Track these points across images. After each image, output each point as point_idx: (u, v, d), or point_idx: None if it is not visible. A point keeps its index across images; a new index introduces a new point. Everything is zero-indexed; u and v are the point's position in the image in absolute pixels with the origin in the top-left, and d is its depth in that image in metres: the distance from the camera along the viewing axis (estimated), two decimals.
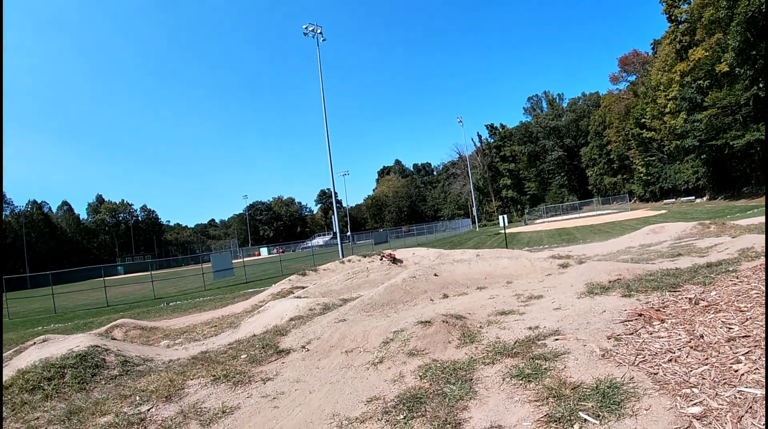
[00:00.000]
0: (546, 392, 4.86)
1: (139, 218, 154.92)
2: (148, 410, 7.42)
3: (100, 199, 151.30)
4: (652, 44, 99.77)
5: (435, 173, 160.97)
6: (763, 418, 3.63)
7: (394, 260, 20.38)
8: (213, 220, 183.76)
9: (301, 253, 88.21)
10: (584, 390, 4.75)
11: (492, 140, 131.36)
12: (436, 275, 13.22)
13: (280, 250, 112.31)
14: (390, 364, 6.97)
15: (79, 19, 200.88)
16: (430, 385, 5.94)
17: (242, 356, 9.69)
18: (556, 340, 6.39)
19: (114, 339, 14.14)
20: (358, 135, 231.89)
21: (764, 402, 3.62)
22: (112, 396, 8.39)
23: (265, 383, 7.67)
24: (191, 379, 8.48)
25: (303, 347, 8.96)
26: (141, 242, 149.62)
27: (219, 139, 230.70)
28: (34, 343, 15.87)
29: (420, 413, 5.20)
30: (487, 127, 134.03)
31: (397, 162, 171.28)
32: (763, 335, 4.99)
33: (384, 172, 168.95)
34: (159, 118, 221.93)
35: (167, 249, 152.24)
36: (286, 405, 6.61)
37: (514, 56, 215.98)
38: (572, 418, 4.23)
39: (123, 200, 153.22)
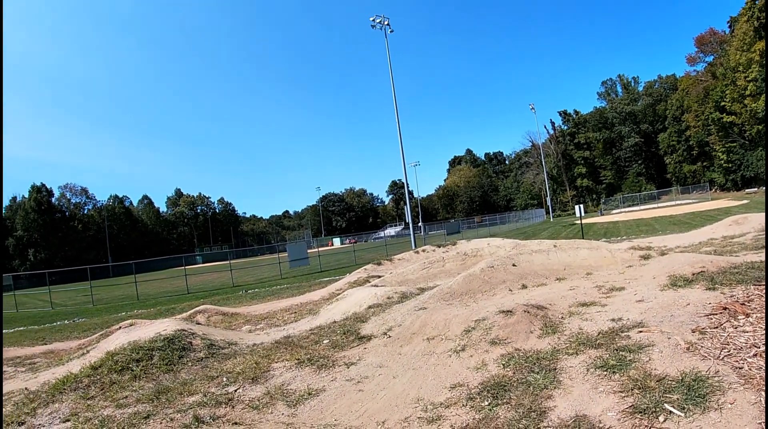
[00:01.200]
0: (631, 383, 4.83)
1: (217, 210, 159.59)
2: (236, 391, 7.75)
3: (178, 193, 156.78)
4: (728, 22, 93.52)
5: (507, 162, 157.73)
6: None
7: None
8: (287, 211, 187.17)
9: (372, 243, 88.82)
10: (669, 382, 4.70)
11: (565, 127, 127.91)
12: (514, 265, 13.09)
13: (353, 241, 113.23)
14: (472, 352, 7.04)
15: (154, 18, 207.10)
16: (514, 373, 5.97)
17: (324, 341, 9.97)
18: (640, 332, 6.29)
19: (198, 324, 14.69)
20: (429, 124, 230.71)
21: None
22: (199, 377, 8.80)
23: (348, 367, 7.90)
24: (276, 362, 8.80)
25: (384, 334, 9.17)
26: (218, 233, 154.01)
27: (293, 132, 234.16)
28: (120, 327, 16.69)
29: (505, 400, 5.25)
30: (560, 114, 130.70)
31: (469, 151, 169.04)
32: None
33: (455, 162, 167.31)
34: (235, 114, 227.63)
35: (243, 240, 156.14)
36: (370, 389, 6.78)
37: (587, 39, 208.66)
38: (657, 409, 4.21)
39: (200, 193, 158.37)
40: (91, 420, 7.56)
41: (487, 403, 5.31)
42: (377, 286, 16.79)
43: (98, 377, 9.76)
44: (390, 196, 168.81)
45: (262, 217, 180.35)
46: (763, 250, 14.10)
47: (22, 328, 26.30)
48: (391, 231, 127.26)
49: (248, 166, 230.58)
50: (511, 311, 7.91)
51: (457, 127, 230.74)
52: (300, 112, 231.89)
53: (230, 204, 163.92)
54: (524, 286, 11.83)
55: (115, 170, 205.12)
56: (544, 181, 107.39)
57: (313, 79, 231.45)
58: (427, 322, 8.65)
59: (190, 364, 9.97)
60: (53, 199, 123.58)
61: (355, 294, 14.86)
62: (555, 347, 6.53)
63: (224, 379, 8.38)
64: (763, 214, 25.18)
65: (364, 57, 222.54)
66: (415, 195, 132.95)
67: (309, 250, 50.39)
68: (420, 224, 79.94)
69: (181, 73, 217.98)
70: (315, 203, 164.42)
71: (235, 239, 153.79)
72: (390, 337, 8.87)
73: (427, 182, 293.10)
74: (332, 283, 24.71)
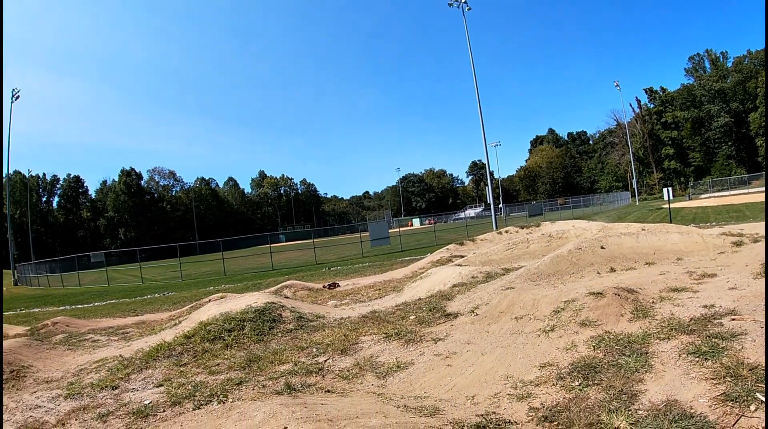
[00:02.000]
0: (723, 371, 4.75)
1: (299, 191, 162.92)
2: (325, 361, 8.06)
3: (262, 175, 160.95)
4: None
5: (591, 142, 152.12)
6: None
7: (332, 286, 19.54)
8: (367, 192, 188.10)
9: (452, 224, 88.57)
10: (762, 372, 4.60)
11: (651, 105, 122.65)
12: (602, 248, 12.86)
13: (432, 221, 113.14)
14: (561, 333, 7.06)
15: (237, 8, 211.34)
16: (604, 355, 5.96)
17: (411, 317, 10.16)
18: (733, 319, 6.14)
19: (286, 297, 15.20)
20: (510, 103, 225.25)
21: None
22: (289, 347, 9.20)
23: (435, 343, 8.06)
24: (364, 336, 9.09)
25: (471, 312, 9.26)
26: (300, 213, 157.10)
27: (373, 114, 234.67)
28: (210, 300, 17.50)
29: (595, 382, 5.26)
30: (645, 91, 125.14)
31: (551, 131, 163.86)
32: None
33: (537, 142, 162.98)
34: (316, 98, 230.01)
35: (324, 219, 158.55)
36: (458, 364, 6.91)
37: (673, 12, 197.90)
38: (749, 398, 4.14)
39: (283, 175, 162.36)
40: (184, 385, 8.02)
41: (577, 383, 5.34)
42: (461, 265, 16.89)
43: (191, 345, 10.34)
44: (470, 177, 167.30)
45: (342, 198, 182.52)
46: None
47: (114, 301, 27.82)
48: (471, 212, 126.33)
49: (329, 148, 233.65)
50: (601, 293, 7.85)
51: (539, 105, 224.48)
52: (379, 94, 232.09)
53: (312, 185, 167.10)
54: (612, 270, 11.65)
55: (201, 154, 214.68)
56: (630, 162, 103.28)
57: (393, 60, 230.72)
58: (515, 302, 8.71)
59: (279, 335, 10.41)
60: (142, 182, 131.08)
61: (439, 272, 15.01)
62: (646, 331, 6.46)
63: (314, 349, 8.73)
64: None
65: (442, 36, 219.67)
66: (496, 176, 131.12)
67: (390, 230, 50.82)
68: (501, 205, 79.09)
69: (265, 61, 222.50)
70: (395, 184, 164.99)
71: (317, 219, 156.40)
72: (477, 315, 8.97)
73: (508, 163, 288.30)
74: (414, 262, 24.97)
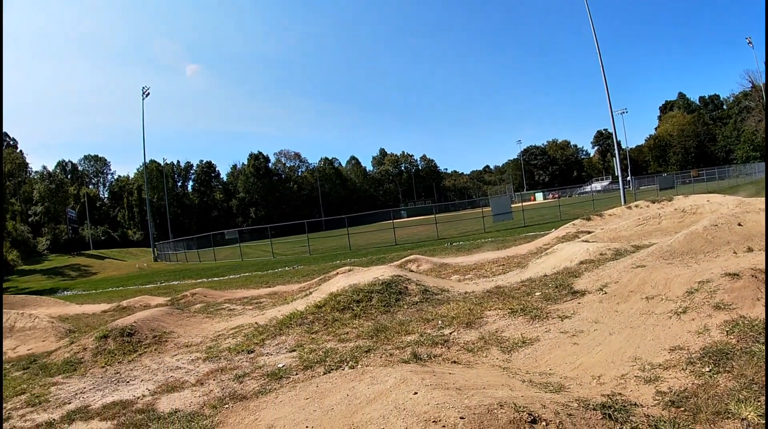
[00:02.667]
0: None
1: (420, 167, 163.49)
2: (450, 333, 8.27)
3: (383, 152, 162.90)
4: None
5: (725, 107, 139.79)
6: None
7: None
8: (487, 166, 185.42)
9: (577, 198, 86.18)
10: None
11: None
12: (740, 225, 11.98)
13: (556, 195, 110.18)
14: (694, 316, 6.79)
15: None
16: (737, 341, 5.70)
17: (536, 293, 10.19)
18: None
19: (411, 271, 15.51)
20: (636, 67, 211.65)
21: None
22: (414, 319, 9.53)
23: (562, 320, 8.06)
24: (488, 310, 9.23)
25: (599, 290, 9.10)
26: (421, 189, 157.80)
27: (492, 86, 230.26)
28: (337, 273, 18.13)
29: (726, 369, 5.06)
30: None
31: (681, 95, 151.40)
32: None
33: (666, 108, 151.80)
34: (434, 74, 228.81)
35: (445, 195, 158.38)
36: (585, 343, 6.87)
37: None
38: None
39: (404, 152, 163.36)
40: (315, 351, 8.49)
41: (707, 370, 5.15)
42: (588, 241, 16.47)
43: (321, 315, 10.92)
44: (595, 148, 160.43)
45: (462, 173, 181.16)
46: None
47: (247, 274, 29.44)
48: (597, 185, 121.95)
49: (448, 123, 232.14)
50: (737, 274, 7.44)
51: (667, 68, 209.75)
52: (494, 65, 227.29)
53: (432, 160, 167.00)
54: (750, 249, 10.75)
55: (324, 136, 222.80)
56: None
57: (510, 30, 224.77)
58: (646, 281, 8.44)
59: (405, 307, 10.80)
60: (270, 164, 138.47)
61: (565, 248, 14.74)
62: None
63: (439, 322, 8.99)
64: None
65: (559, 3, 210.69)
66: (623, 146, 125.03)
67: (514, 205, 50.15)
68: (629, 178, 75.76)
69: (381, 40, 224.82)
70: (516, 157, 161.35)
71: (437, 194, 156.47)
72: (606, 293, 8.80)
73: (635, 131, 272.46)
74: (538, 238, 24.60)
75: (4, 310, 17.77)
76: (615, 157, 44.81)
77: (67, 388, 9.12)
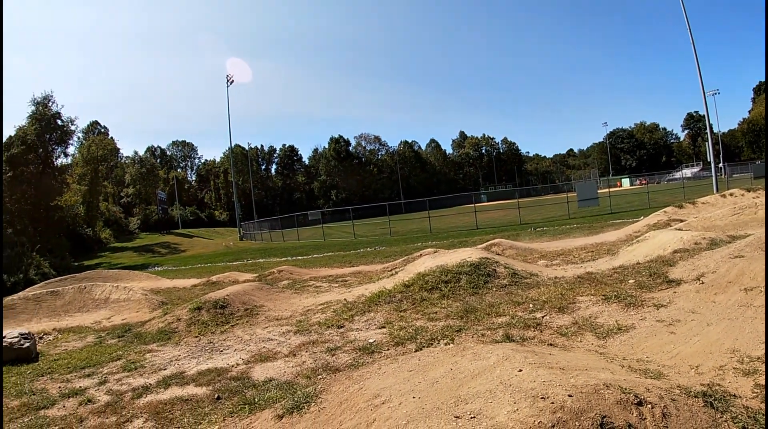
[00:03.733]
0: None
1: (500, 150, 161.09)
2: (542, 317, 8.27)
3: (463, 135, 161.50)
4: None
5: None
6: None
7: None
8: (571, 149, 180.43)
9: (666, 185, 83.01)
10: None
11: None
12: None
13: (644, 181, 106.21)
14: None
15: None
16: None
17: (630, 281, 10.00)
18: None
19: (497, 255, 15.46)
20: (727, 44, 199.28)
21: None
22: (504, 301, 9.58)
23: (657, 309, 7.90)
24: (581, 296, 9.15)
25: (696, 279, 8.86)
26: (502, 173, 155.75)
27: (575, 66, 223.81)
28: (421, 254, 18.25)
29: None
30: None
31: None
32: None
33: (760, 89, 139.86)
34: (517, 55, 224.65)
35: (527, 179, 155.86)
36: (682, 332, 6.71)
37: None
38: None
39: (484, 134, 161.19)
40: (405, 328, 8.63)
41: None
42: (681, 229, 15.96)
43: (409, 294, 11.07)
44: (686, 131, 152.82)
45: (545, 156, 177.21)
46: None
47: (330, 254, 30.05)
48: (687, 172, 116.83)
49: (531, 104, 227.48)
50: None
51: (759, 46, 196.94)
52: (580, 44, 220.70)
53: (514, 143, 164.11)
54: None
55: (404, 119, 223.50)
56: None
57: (594, 9, 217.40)
58: (745, 272, 8.11)
59: (494, 289, 10.85)
60: (350, 148, 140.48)
61: (658, 236, 14.33)
62: None
63: (530, 305, 8.99)
64: None
65: None
66: (715, 130, 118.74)
67: (601, 191, 48.95)
68: (721, 165, 72.46)
69: (462, 21, 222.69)
70: (602, 140, 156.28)
71: (519, 178, 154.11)
72: (703, 283, 8.54)
73: (728, 114, 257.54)
74: (626, 225, 24.04)
75: (99, 283, 18.90)
76: (707, 141, 42.98)
77: (161, 356, 9.65)
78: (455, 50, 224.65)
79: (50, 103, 52.23)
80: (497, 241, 20.70)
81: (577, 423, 3.23)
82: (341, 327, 9.79)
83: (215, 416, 5.92)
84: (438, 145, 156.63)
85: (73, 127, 55.09)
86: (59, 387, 7.97)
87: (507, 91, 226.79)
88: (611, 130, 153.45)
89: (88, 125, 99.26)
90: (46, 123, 51.22)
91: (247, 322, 11.89)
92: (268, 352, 8.85)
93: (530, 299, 9.44)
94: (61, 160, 57.08)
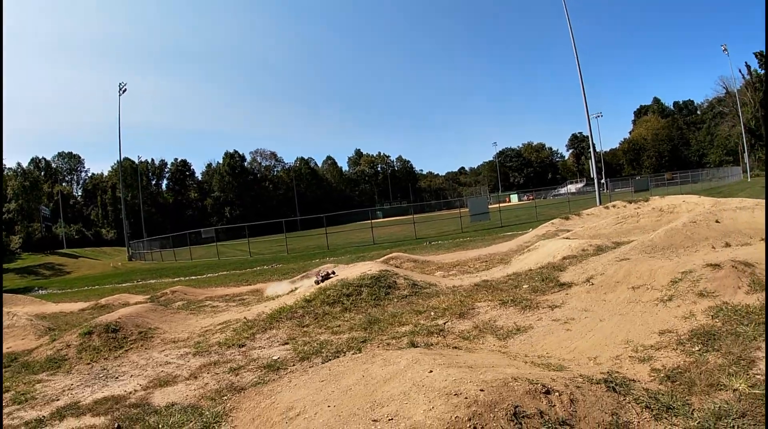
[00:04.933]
0: None
1: (395, 168, 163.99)
2: (445, 323, 8.55)
3: (358, 153, 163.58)
4: None
5: (699, 112, 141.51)
6: None
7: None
8: (463, 167, 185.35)
9: (552, 200, 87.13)
10: None
11: (762, 71, 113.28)
12: (717, 222, 12.39)
13: (531, 197, 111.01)
14: (679, 303, 7.13)
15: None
16: (722, 324, 6.06)
17: (524, 286, 10.56)
18: None
19: (396, 267, 15.78)
20: (611, 71, 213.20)
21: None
22: (406, 311, 9.80)
23: (552, 309, 8.38)
24: (479, 302, 9.55)
25: (586, 281, 9.46)
26: (397, 189, 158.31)
27: (467, 87, 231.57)
28: (320, 270, 18.27)
29: (714, 348, 5.42)
30: (756, 56, 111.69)
31: (656, 100, 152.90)
32: None
33: (641, 112, 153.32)
34: (409, 75, 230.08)
35: (421, 196, 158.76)
36: (577, 329, 7.18)
37: None
38: None
39: (380, 152, 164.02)
40: (310, 343, 8.65)
41: (696, 349, 5.50)
42: (569, 238, 16.86)
43: (311, 309, 11.12)
44: (570, 151, 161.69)
45: (438, 174, 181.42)
46: None
47: (225, 273, 29.46)
48: (571, 187, 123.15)
49: (424, 124, 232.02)
50: (718, 265, 7.81)
51: (643, 73, 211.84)
52: (471, 68, 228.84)
53: (408, 161, 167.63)
54: (727, 245, 11.21)
55: (300, 136, 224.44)
56: (741, 134, 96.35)
57: (487, 32, 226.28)
58: (631, 272, 8.78)
59: (395, 300, 11.07)
60: (245, 163, 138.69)
61: (547, 245, 15.10)
62: (763, 303, 6.48)
63: (431, 313, 9.27)
64: None
65: (537, 3, 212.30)
66: (598, 149, 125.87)
67: (491, 206, 50.65)
68: (603, 181, 76.61)
69: (356, 42, 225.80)
70: (491, 159, 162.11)
71: (413, 196, 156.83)
72: (593, 284, 9.17)
73: (610, 135, 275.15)
74: (516, 236, 24.99)
75: None
76: (591, 159, 45.59)
77: (53, 385, 9.10)
78: (353, 69, 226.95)
79: None
80: (395, 255, 21.05)
81: (491, 414, 3.40)
82: (243, 346, 9.61)
83: None
84: (334, 162, 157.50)
85: None
86: None
87: (402, 111, 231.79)
88: (501, 149, 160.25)
89: None
90: None
91: (142, 345, 11.41)
92: (167, 376, 8.52)
93: (431, 307, 9.69)
94: None
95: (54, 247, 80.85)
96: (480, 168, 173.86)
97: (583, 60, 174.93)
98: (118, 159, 78.42)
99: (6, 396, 8.55)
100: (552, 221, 26.87)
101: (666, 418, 3.86)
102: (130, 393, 7.91)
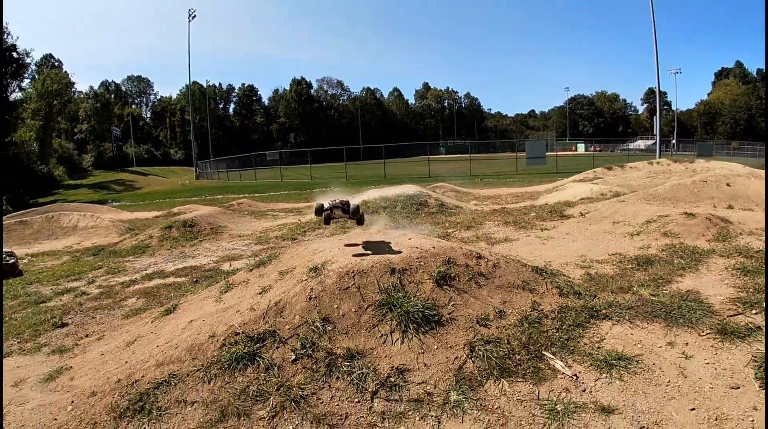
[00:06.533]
0: (751, 286, 5.83)
1: (462, 105, 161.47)
2: (453, 232, 10.98)
3: (426, 86, 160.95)
4: None
5: None
6: None
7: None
8: (533, 110, 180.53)
9: (618, 154, 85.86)
10: None
11: None
12: (728, 185, 13.36)
13: (597, 148, 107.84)
14: (644, 238, 8.76)
15: None
16: (666, 256, 7.52)
17: (531, 214, 12.72)
18: None
19: (434, 192, 17.92)
20: (694, 27, 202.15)
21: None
22: (427, 222, 12.41)
23: (542, 231, 10.43)
24: (488, 221, 12.01)
25: (581, 214, 11.43)
26: (462, 127, 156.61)
27: (542, 29, 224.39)
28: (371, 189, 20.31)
29: (644, 268, 6.99)
30: None
31: (738, 64, 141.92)
32: None
33: (721, 75, 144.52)
34: (481, 8, 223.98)
35: (486, 135, 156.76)
36: (551, 245, 9.15)
37: None
38: (755, 305, 5.18)
39: (448, 88, 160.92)
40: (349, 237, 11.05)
41: (630, 267, 7.13)
42: (596, 183, 18.39)
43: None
44: (644, 106, 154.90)
45: (506, 115, 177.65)
46: None
47: (286, 192, 31.90)
48: (641, 143, 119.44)
49: (496, 63, 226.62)
50: (693, 215, 9.18)
51: (728, 32, 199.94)
52: (546, 8, 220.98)
53: (476, 99, 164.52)
54: (730, 207, 12.04)
55: (368, 65, 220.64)
56: None
57: None
58: (619, 211, 10.65)
59: (423, 215, 13.65)
60: (312, 91, 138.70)
61: (573, 187, 16.93)
62: (714, 249, 7.70)
63: (446, 224, 11.88)
64: None
65: None
66: (673, 107, 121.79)
67: (549, 153, 50.93)
68: (673, 141, 75.11)
69: None
70: (562, 104, 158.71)
71: (478, 134, 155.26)
72: (585, 217, 11.10)
73: (688, 94, 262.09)
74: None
75: (66, 212, 20.16)
76: (656, 115, 45.03)
77: (140, 262, 11.58)
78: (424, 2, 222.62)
79: (5, 35, 50.15)
80: (440, 185, 22.98)
81: (433, 259, 5.36)
82: (294, 239, 12.10)
83: (195, 289, 7.80)
84: (400, 95, 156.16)
85: (28, 60, 54.12)
86: (51, 289, 9.48)
87: (474, 48, 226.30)
88: (573, 95, 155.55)
89: (41, 58, 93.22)
90: (1, 56, 49.61)
91: (213, 238, 13.89)
92: (234, 254, 11.05)
93: (448, 221, 12.09)
94: (16, 95, 55.50)
95: (124, 165, 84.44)
96: (550, 112, 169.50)
97: (664, 11, 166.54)
98: (187, 83, 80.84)
99: (100, 270, 10.98)
100: (594, 170, 28.22)
101: (569, 297, 5.47)
102: (204, 265, 10.32)
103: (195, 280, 8.88)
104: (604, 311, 5.19)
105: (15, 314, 8.00)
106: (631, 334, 4.79)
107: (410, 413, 3.93)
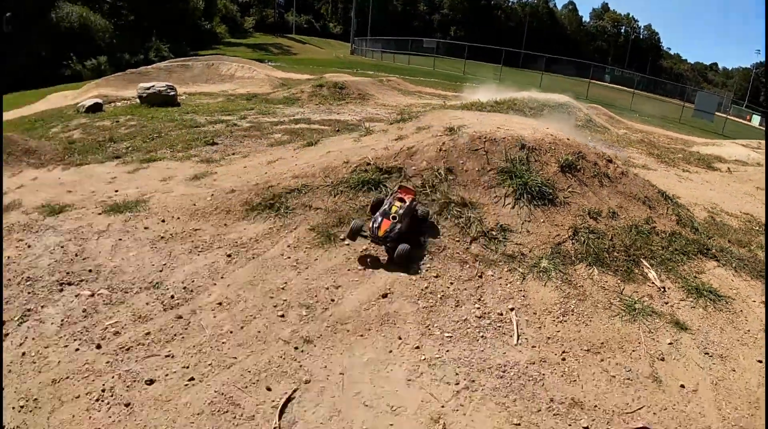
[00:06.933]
0: None
1: (640, 36, 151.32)
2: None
3: (605, 7, 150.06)
4: None
5: None
6: None
7: None
8: (715, 64, 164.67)
9: None
10: None
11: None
12: None
13: None
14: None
15: None
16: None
17: (678, 155, 12.99)
18: None
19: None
20: None
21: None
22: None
23: (683, 172, 10.60)
24: (632, 147, 13.18)
25: (728, 170, 11.31)
26: (634, 59, 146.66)
27: None
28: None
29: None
30: None
31: None
32: None
33: None
34: None
35: (658, 74, 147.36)
36: (687, 185, 9.27)
37: None
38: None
39: (629, 14, 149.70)
40: None
41: (757, 228, 7.02)
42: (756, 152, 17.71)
43: (497, 108, 14.07)
44: None
45: (686, 59, 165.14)
46: None
47: (436, 80, 32.52)
48: None
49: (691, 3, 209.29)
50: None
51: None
52: None
53: (656, 34, 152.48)
54: None
55: None
56: None
57: None
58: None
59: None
60: None
61: (732, 147, 16.44)
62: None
63: (588, 138, 11.85)
64: None
65: None
66: None
67: (719, 114, 47.11)
68: None
69: None
70: (749, 67, 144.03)
71: (650, 71, 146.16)
72: (731, 173, 11.02)
73: None
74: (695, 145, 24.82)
75: (225, 61, 21.53)
76: None
77: (289, 110, 12.67)
78: None
79: None
80: (595, 106, 21.97)
81: (564, 148, 5.75)
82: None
83: (334, 134, 8.44)
84: (575, 9, 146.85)
85: None
86: (206, 118, 10.65)
87: None
88: (761, 60, 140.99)
89: None
90: None
91: (359, 102, 14.74)
92: (376, 118, 11.70)
93: (591, 136, 12.29)
94: None
95: (284, 32, 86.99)
96: (733, 72, 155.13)
97: None
98: None
99: (251, 111, 12.13)
100: (760, 141, 26.17)
101: (685, 228, 5.68)
102: (348, 120, 11.27)
103: (337, 129, 9.59)
104: (714, 251, 5.34)
105: (171, 132, 9.21)
106: (732, 280, 4.93)
107: (501, 263, 4.44)
